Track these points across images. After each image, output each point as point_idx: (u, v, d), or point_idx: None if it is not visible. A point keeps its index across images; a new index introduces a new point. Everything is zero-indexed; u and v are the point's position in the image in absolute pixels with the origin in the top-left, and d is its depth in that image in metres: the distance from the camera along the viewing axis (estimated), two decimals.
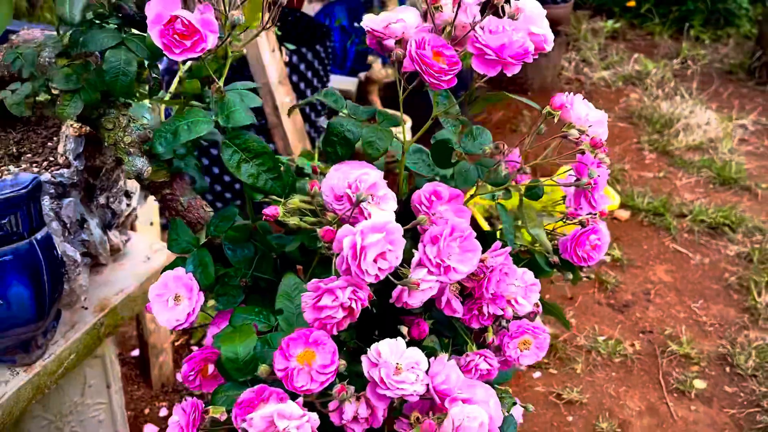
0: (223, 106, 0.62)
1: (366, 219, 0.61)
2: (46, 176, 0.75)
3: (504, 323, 0.78)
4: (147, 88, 0.64)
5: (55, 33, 0.65)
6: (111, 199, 0.88)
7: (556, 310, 0.82)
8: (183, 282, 0.72)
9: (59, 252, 0.76)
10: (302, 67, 2.18)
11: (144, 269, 1.04)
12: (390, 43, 0.65)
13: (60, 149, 0.80)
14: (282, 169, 0.69)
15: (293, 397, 0.60)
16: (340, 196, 0.65)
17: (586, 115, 0.66)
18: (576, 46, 3.72)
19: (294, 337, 0.56)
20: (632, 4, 4.06)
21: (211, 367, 0.72)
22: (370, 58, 2.56)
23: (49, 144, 0.84)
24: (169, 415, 1.68)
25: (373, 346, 0.61)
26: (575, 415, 1.71)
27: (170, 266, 0.76)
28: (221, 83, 0.61)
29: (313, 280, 0.57)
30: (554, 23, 3.62)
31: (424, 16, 0.67)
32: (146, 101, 0.67)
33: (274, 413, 0.53)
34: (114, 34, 0.58)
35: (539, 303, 0.79)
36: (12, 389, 0.84)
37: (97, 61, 0.64)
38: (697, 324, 2.00)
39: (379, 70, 2.52)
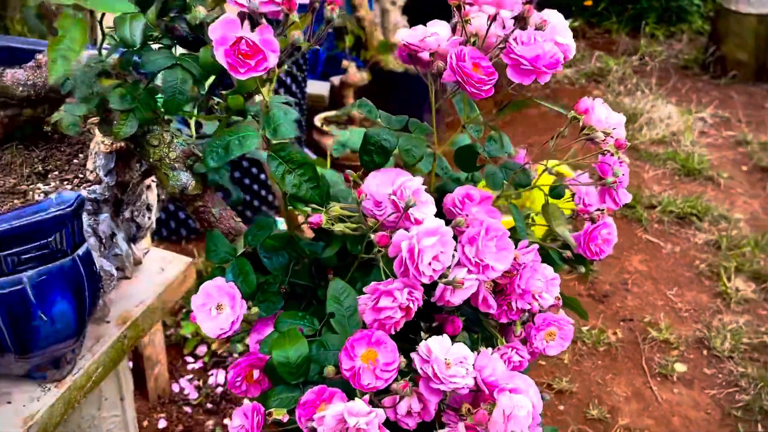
0: (269, 120, 0.65)
1: (411, 223, 0.65)
2: (83, 193, 0.76)
3: (528, 316, 0.82)
4: (194, 104, 0.66)
5: (94, 53, 0.67)
6: (135, 213, 0.89)
7: (574, 302, 0.87)
8: (225, 291, 0.74)
9: (97, 267, 0.77)
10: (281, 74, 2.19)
11: (160, 280, 1.05)
12: (425, 55, 0.68)
13: (89, 165, 0.82)
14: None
15: (350, 395, 0.63)
16: (379, 202, 0.69)
17: (606, 118, 0.71)
18: None
19: (357, 338, 0.59)
20: (589, 3, 4.18)
21: (256, 373, 0.75)
22: (345, 62, 2.59)
23: (75, 161, 0.85)
24: (169, 426, 1.69)
25: (422, 343, 0.64)
26: (566, 404, 1.77)
27: (209, 276, 0.78)
28: (268, 98, 0.64)
29: (372, 283, 0.60)
30: None
31: (453, 29, 0.70)
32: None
33: (344, 411, 0.56)
34: (169, 54, 0.60)
35: (560, 296, 0.84)
36: (45, 405, 0.85)
37: (140, 79, 0.66)
38: (673, 310, 2.09)
39: (354, 73, 2.55)
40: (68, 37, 0.48)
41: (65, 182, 0.81)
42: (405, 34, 0.67)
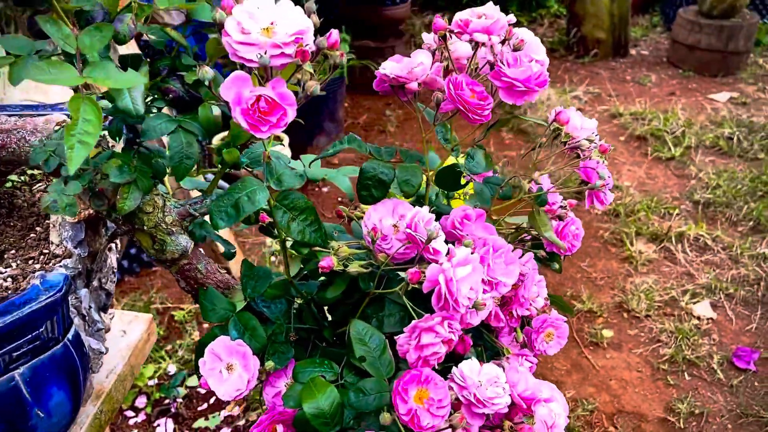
0: (272, 170, 0.62)
1: (430, 254, 0.65)
2: (62, 270, 0.69)
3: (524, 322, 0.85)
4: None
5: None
6: (103, 280, 0.83)
7: (558, 299, 0.90)
8: (234, 350, 0.71)
9: (86, 347, 0.71)
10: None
11: (125, 344, 0.98)
12: (413, 86, 0.69)
13: (53, 239, 0.75)
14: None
15: None
16: (386, 236, 0.69)
17: (581, 125, 0.75)
18: (416, 41, 3.91)
19: (408, 380, 0.58)
20: None
21: (280, 428, 0.72)
22: None
23: (32, 235, 0.77)
24: None
25: (455, 370, 0.65)
26: None
27: (207, 337, 0.75)
28: (269, 149, 0.62)
29: (413, 322, 0.60)
30: (397, 22, 3.75)
31: (433, 54, 0.71)
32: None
33: None
34: (169, 118, 0.56)
35: (547, 296, 0.87)
36: None
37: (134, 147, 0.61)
38: (590, 280, 2.22)
39: None
40: (82, 119, 0.44)
41: (30, 260, 0.74)
42: (391, 67, 0.67)
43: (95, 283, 0.82)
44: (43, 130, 0.68)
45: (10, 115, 0.76)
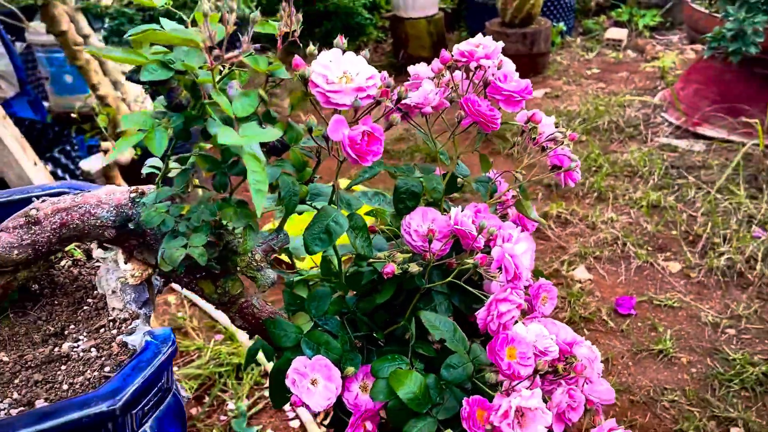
0: (342, 198, 0.73)
1: (478, 244, 0.78)
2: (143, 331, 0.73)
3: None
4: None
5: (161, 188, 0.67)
6: None
7: (537, 272, 1.08)
8: (315, 365, 0.79)
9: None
10: (59, 172, 2.05)
11: None
12: (428, 110, 0.82)
13: (116, 305, 0.78)
14: None
15: (489, 396, 0.75)
16: (423, 235, 0.81)
17: (546, 122, 0.92)
18: None
19: (500, 343, 0.71)
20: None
21: (368, 424, 0.81)
22: (104, 144, 2.46)
23: (85, 308, 0.79)
24: None
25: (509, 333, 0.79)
26: None
27: (281, 363, 0.81)
28: (339, 181, 0.72)
29: (491, 297, 0.73)
30: None
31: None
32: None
33: (521, 401, 0.68)
34: (272, 165, 0.63)
35: None
36: None
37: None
38: None
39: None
40: (251, 172, 0.52)
41: (101, 329, 0.76)
42: (417, 96, 0.80)
43: None
44: (108, 201, 0.72)
45: (53, 194, 0.78)
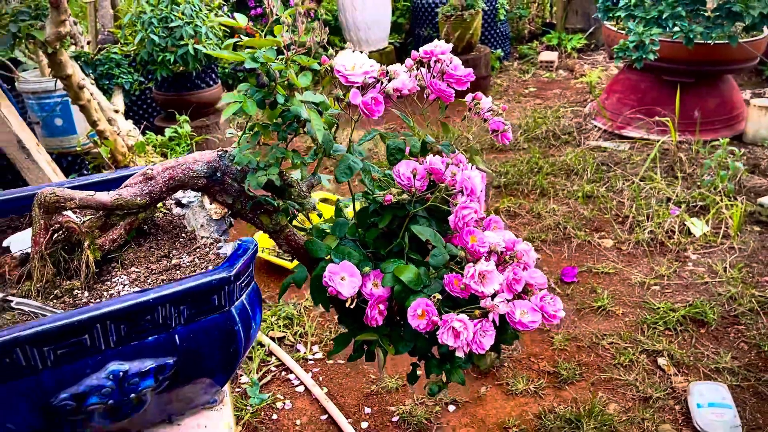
0: (353, 149, 1.11)
1: (451, 180, 1.17)
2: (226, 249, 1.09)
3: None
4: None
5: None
6: None
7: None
8: (343, 268, 1.15)
9: None
10: None
11: None
12: (405, 92, 1.21)
13: (203, 234, 1.13)
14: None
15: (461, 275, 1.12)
16: (409, 177, 1.19)
17: (486, 101, 1.32)
18: None
19: (465, 233, 1.09)
20: None
21: (381, 306, 1.17)
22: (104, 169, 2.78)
23: (181, 240, 1.14)
24: None
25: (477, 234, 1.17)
26: None
27: (319, 270, 1.17)
28: (352, 137, 1.10)
29: (457, 206, 1.11)
30: (210, 105, 4.11)
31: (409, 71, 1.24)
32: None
33: (482, 266, 1.06)
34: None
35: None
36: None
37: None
38: None
39: None
40: (314, 120, 0.89)
41: (196, 250, 1.11)
42: (397, 83, 1.18)
43: None
44: (201, 159, 1.08)
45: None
